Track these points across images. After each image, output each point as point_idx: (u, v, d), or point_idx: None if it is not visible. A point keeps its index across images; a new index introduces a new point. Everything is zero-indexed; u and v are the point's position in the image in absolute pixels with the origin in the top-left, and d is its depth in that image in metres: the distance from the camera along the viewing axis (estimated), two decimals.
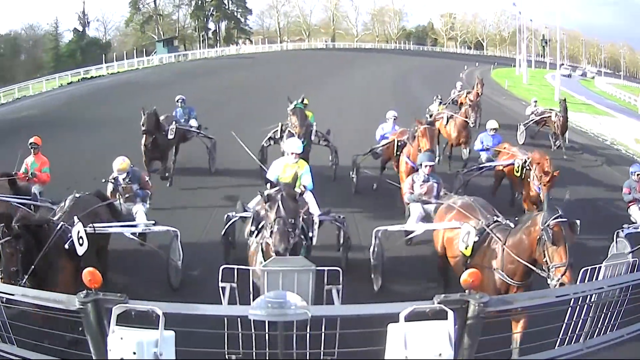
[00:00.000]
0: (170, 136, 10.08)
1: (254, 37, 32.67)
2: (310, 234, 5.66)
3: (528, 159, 8.28)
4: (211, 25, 32.21)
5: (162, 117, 10.20)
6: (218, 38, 31.48)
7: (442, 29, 38.21)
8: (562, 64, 32.98)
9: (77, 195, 6.11)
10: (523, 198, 8.41)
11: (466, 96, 14.41)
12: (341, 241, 6.93)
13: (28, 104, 21.29)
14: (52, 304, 3.46)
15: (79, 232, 5.24)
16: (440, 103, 14.13)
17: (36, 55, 31.15)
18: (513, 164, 8.67)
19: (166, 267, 6.38)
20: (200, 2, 31.09)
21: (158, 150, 9.58)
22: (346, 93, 21.88)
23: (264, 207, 4.60)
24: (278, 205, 4.37)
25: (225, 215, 6.70)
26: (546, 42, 37.30)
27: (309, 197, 6.67)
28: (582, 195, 9.85)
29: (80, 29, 31.21)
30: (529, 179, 8.12)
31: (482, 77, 16.02)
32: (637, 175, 7.90)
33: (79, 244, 5.20)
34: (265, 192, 4.72)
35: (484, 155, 9.98)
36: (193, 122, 11.48)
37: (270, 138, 9.99)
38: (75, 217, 5.39)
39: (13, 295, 3.69)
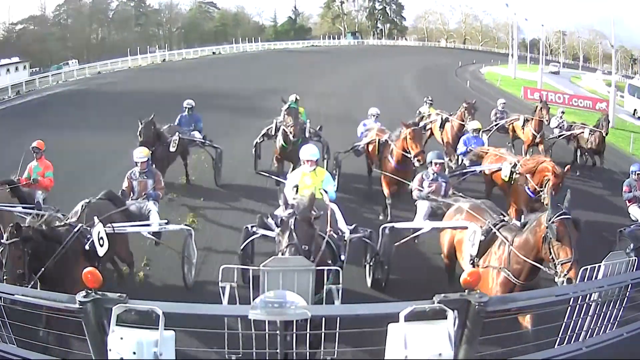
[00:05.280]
0: (172, 149, 9.17)
1: (407, 36, 52.78)
2: (342, 257, 5.12)
3: (518, 162, 7.74)
4: (379, 25, 52.38)
5: (164, 127, 9.46)
6: (383, 34, 51.97)
7: (546, 43, 45.60)
8: (550, 61, 37.83)
9: (87, 200, 5.97)
10: (509, 205, 7.78)
11: (524, 124, 12.12)
12: (368, 258, 6.53)
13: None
14: (52, 304, 3.45)
15: (99, 232, 5.18)
16: (431, 105, 12.96)
17: (246, 28, 48.60)
18: (500, 169, 7.94)
19: (181, 265, 6.42)
20: (372, 10, 51.76)
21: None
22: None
23: (277, 231, 4.34)
24: (291, 231, 4.13)
25: (244, 228, 6.23)
26: (634, 61, 38.93)
27: (336, 213, 5.93)
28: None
29: (294, 17, 51.37)
30: (519, 184, 7.49)
31: (544, 100, 13.67)
32: (637, 174, 7.88)
33: (100, 244, 5.15)
34: (278, 215, 4.46)
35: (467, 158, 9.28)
36: (197, 134, 10.45)
37: (264, 135, 10.15)
38: (96, 218, 5.33)
39: (13, 295, 3.68)
